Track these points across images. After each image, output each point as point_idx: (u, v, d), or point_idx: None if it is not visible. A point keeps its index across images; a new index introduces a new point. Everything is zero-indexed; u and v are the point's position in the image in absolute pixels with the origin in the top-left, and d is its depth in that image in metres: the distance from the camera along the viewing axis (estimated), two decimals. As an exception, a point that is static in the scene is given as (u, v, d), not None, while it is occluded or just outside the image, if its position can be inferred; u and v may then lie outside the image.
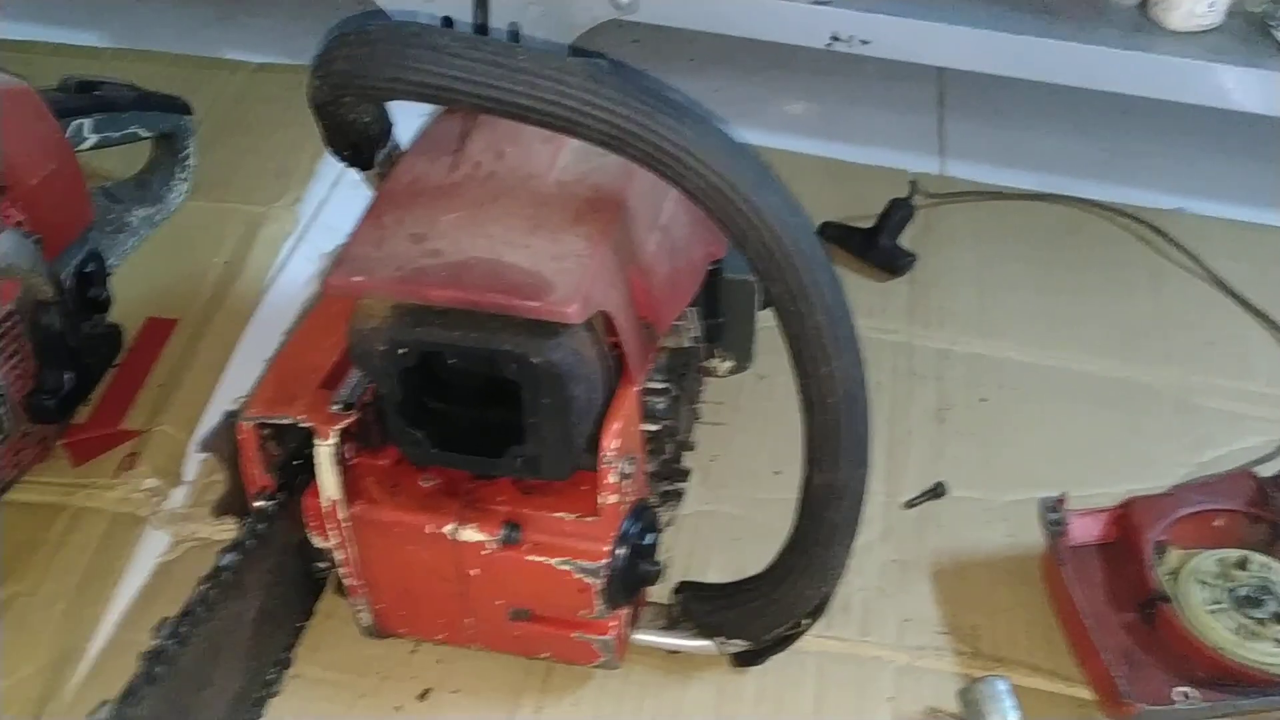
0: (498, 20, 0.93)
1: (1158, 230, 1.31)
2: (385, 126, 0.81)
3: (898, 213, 1.27)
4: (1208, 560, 0.91)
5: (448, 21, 0.80)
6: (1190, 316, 1.22)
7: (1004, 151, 1.44)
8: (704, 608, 0.86)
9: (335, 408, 0.78)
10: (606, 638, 0.83)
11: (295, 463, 0.81)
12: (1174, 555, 0.92)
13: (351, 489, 0.80)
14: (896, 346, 1.16)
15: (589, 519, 0.78)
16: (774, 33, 1.36)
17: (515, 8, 0.97)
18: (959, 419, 1.10)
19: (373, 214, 0.78)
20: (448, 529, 0.79)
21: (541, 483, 0.79)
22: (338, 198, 1.30)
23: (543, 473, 0.77)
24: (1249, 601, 0.88)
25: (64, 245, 1.01)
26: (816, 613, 0.85)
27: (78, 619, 0.91)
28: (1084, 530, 0.94)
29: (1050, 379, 1.14)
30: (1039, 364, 1.16)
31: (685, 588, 0.88)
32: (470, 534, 0.79)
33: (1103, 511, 0.95)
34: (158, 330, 1.13)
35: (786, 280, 0.70)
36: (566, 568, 0.78)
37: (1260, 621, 0.87)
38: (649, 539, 0.82)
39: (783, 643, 0.87)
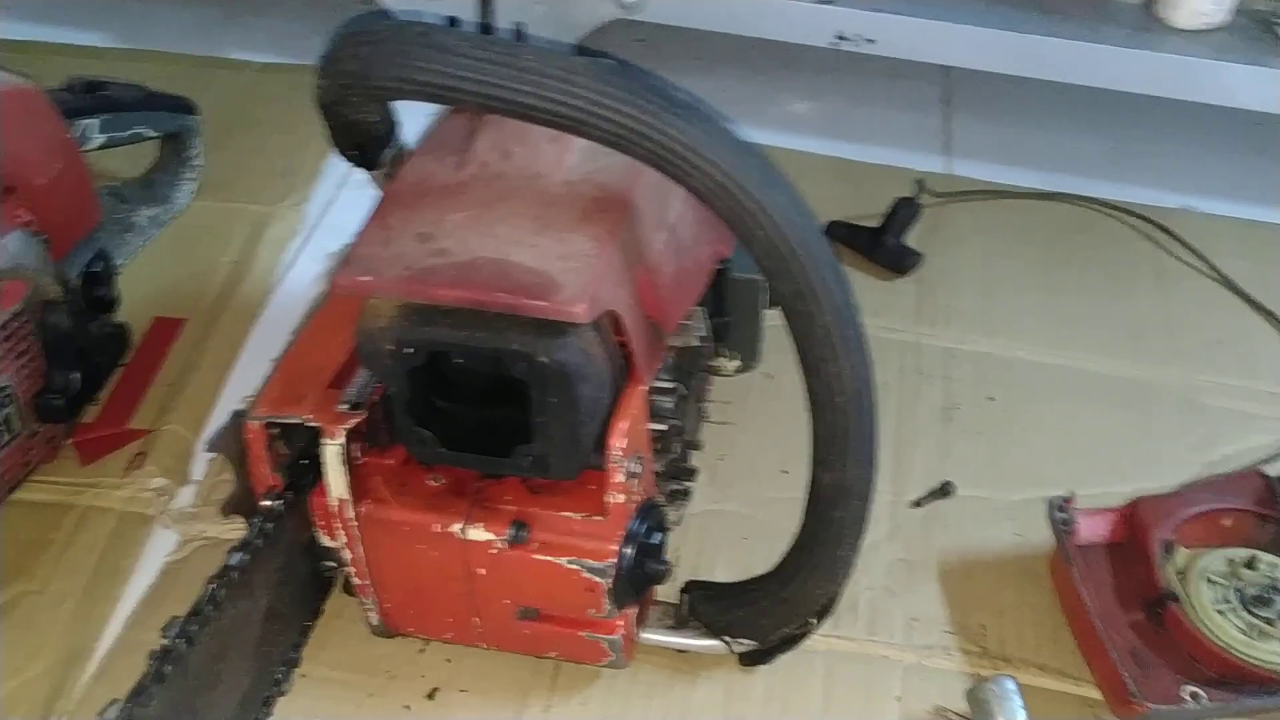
0: (502, 19, 0.93)
1: (1164, 229, 1.31)
2: (391, 126, 0.81)
3: (904, 212, 1.27)
4: (1216, 559, 0.91)
5: (453, 21, 0.79)
6: (1197, 315, 1.22)
7: (1010, 150, 1.44)
8: (711, 607, 0.86)
9: (343, 407, 0.78)
10: (614, 637, 0.83)
11: (303, 462, 0.81)
12: (1182, 554, 0.92)
13: (359, 488, 0.80)
14: (903, 345, 1.16)
15: (596, 518, 0.78)
16: (780, 32, 1.36)
17: (520, 7, 0.97)
18: (966, 418, 1.10)
19: (379, 214, 0.78)
20: (455, 528, 0.79)
21: (549, 482, 0.79)
22: (344, 197, 1.30)
23: (550, 472, 0.77)
24: (1257, 601, 0.88)
25: (71, 245, 1.01)
26: (824, 612, 0.85)
27: (86, 618, 0.91)
28: (1092, 529, 0.94)
29: (1057, 378, 1.14)
30: (1046, 363, 1.16)
31: (693, 587, 0.88)
32: (478, 533, 0.79)
33: (1111, 511, 0.95)
34: (165, 330, 1.14)
35: (794, 279, 0.70)
36: (574, 567, 0.78)
37: (1269, 621, 0.87)
38: (656, 538, 0.82)
39: (790, 642, 0.87)
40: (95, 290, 1.04)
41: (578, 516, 0.79)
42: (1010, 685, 0.84)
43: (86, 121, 1.10)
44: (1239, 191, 1.38)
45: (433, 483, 0.81)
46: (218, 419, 1.05)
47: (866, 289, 1.21)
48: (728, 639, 0.86)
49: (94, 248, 1.04)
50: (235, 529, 0.86)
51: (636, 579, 0.81)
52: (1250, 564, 0.90)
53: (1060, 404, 1.12)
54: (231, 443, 0.83)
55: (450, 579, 0.81)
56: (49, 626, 0.90)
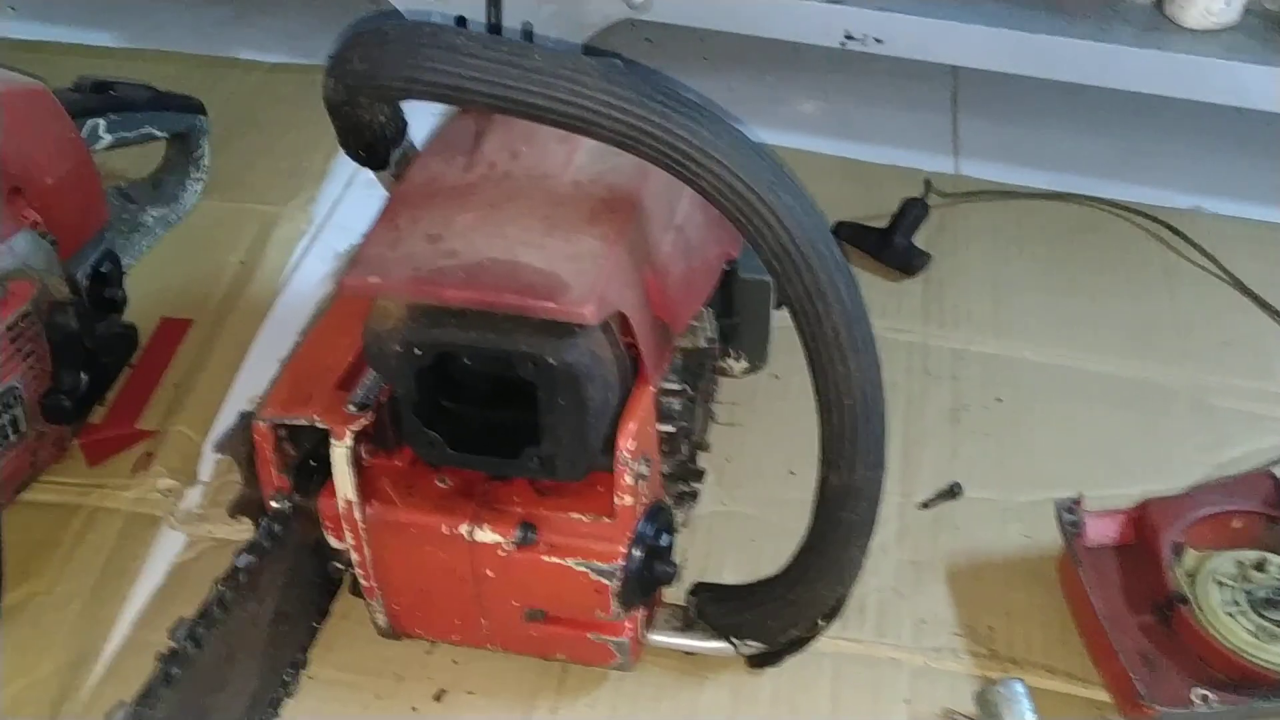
0: (510, 19, 0.93)
1: (1174, 229, 1.30)
2: (400, 126, 0.81)
3: (912, 212, 1.27)
4: (1225, 561, 0.90)
5: (461, 21, 0.80)
6: (1207, 316, 1.21)
7: (1019, 150, 1.44)
8: (719, 609, 0.86)
9: (351, 408, 0.78)
10: (622, 639, 0.83)
11: (311, 463, 0.81)
12: (1191, 556, 0.91)
13: (367, 490, 0.80)
14: (911, 346, 1.16)
15: (605, 520, 0.78)
16: (788, 31, 1.35)
17: (528, 7, 0.97)
18: (974, 419, 1.10)
19: (388, 214, 0.78)
20: (463, 530, 0.79)
21: (557, 484, 0.79)
22: (351, 197, 1.30)
23: (558, 474, 0.77)
24: (1267, 603, 0.87)
25: (79, 245, 1.01)
26: (832, 614, 0.85)
27: (94, 619, 0.91)
28: (1100, 531, 0.94)
29: (1066, 379, 1.14)
30: (1054, 364, 1.16)
31: (701, 589, 0.88)
32: (486, 535, 0.79)
33: (1119, 512, 0.95)
34: (173, 330, 1.14)
35: (803, 280, 0.69)
36: (582, 569, 0.78)
37: (1278, 623, 0.86)
38: (664, 540, 0.82)
39: (798, 644, 0.87)
40: (103, 291, 1.04)
41: (586, 518, 0.79)
42: (1019, 688, 0.84)
43: (95, 121, 1.10)
44: (1249, 192, 1.37)
45: (440, 484, 0.81)
46: (225, 420, 1.05)
47: (874, 289, 1.21)
48: (735, 641, 0.86)
49: (102, 248, 1.04)
50: (243, 530, 0.86)
51: (644, 581, 0.80)
52: (1260, 566, 0.90)
53: (1069, 405, 1.11)
54: (239, 444, 0.83)
55: (458, 580, 0.81)
56: (56, 627, 0.90)
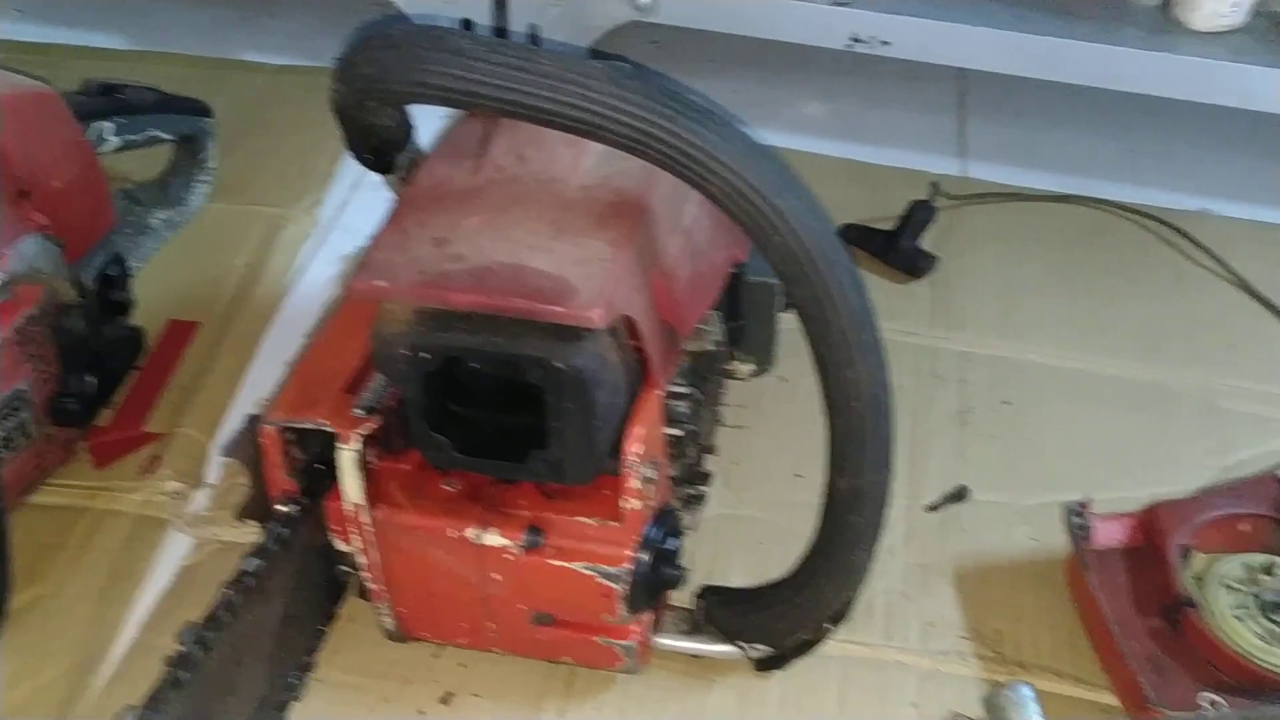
0: (516, 22, 0.93)
1: (1181, 232, 1.30)
2: (407, 130, 0.81)
3: (919, 214, 1.26)
4: (1233, 565, 0.90)
5: (467, 24, 0.79)
6: (1214, 318, 1.21)
7: (1025, 153, 1.44)
8: (727, 612, 0.86)
9: (358, 412, 0.78)
10: (629, 642, 0.82)
11: (318, 467, 0.81)
12: (1199, 560, 0.91)
13: (374, 493, 0.80)
14: (918, 349, 1.16)
15: (612, 524, 0.78)
16: (794, 34, 1.35)
17: (534, 10, 0.96)
18: (981, 422, 1.10)
19: (395, 218, 0.78)
20: (470, 533, 0.79)
21: (564, 487, 0.79)
22: (358, 200, 1.30)
23: (565, 477, 0.77)
24: (1275, 607, 0.87)
25: (86, 248, 1.01)
26: (839, 617, 0.85)
27: (101, 622, 0.91)
28: (1108, 534, 0.94)
29: (1073, 381, 1.14)
30: (1062, 366, 1.15)
31: (708, 592, 0.88)
32: (493, 538, 0.79)
33: (1127, 515, 0.94)
34: (179, 333, 1.14)
35: (810, 283, 0.69)
36: (589, 572, 0.78)
37: (1287, 627, 0.86)
38: (671, 543, 0.82)
39: (805, 647, 0.87)
40: (110, 293, 1.04)
41: (593, 522, 0.79)
42: (1027, 692, 0.83)
43: (101, 124, 1.10)
44: (1257, 194, 1.37)
45: (448, 488, 0.81)
46: (232, 422, 1.05)
47: (881, 292, 1.21)
48: (743, 644, 0.86)
49: (109, 251, 1.04)
50: (250, 533, 0.86)
51: (651, 584, 0.80)
52: (1268, 570, 0.90)
53: (1076, 408, 1.11)
54: (246, 447, 0.83)
55: (465, 584, 0.81)
56: (63, 630, 0.90)
